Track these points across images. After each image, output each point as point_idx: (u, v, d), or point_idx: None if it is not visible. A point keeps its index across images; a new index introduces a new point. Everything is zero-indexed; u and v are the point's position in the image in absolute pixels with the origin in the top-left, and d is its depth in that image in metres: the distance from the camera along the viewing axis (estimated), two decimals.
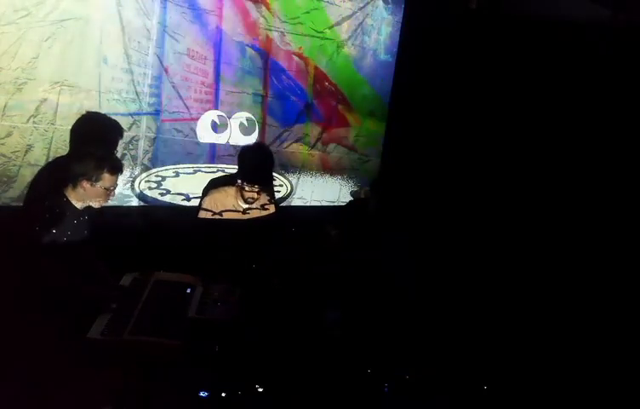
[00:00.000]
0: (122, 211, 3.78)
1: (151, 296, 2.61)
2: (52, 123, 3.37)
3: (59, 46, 3.29)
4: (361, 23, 4.50)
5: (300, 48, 4.27)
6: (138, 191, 3.86)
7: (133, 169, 3.78)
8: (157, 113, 3.77)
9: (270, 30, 4.08)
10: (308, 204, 4.72)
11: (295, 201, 4.65)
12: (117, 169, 2.60)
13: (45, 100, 3.32)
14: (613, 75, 3.92)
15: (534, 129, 4.36)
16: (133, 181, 3.81)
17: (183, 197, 4.07)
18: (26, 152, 3.33)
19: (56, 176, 2.66)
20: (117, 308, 2.46)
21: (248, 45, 4.02)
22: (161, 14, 3.62)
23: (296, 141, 4.47)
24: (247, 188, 3.06)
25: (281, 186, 4.50)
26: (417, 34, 4.66)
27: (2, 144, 3.25)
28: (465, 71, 4.71)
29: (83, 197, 2.56)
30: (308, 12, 4.21)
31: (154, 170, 3.89)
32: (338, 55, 4.45)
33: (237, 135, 4.15)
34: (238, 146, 4.16)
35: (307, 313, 2.75)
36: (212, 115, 4.01)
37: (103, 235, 2.82)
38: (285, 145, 4.42)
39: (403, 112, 4.87)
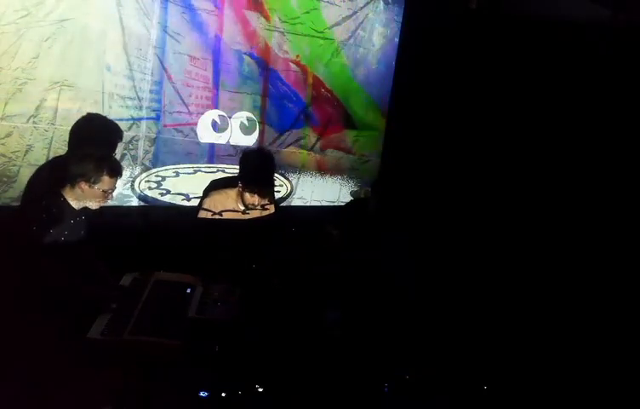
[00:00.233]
0: (122, 211, 3.78)
1: (151, 296, 2.61)
2: (52, 123, 3.37)
3: (59, 46, 3.29)
4: (361, 23, 4.50)
5: (298, 56, 4.28)
6: (138, 191, 3.86)
7: (133, 169, 3.78)
8: (157, 118, 3.78)
9: (270, 30, 4.08)
10: (308, 204, 4.72)
11: (295, 201, 4.65)
12: (116, 171, 2.60)
13: (45, 100, 3.32)
14: (613, 75, 3.92)
15: (535, 130, 4.36)
16: (133, 181, 3.81)
17: (183, 197, 4.07)
18: (26, 152, 3.33)
19: (54, 176, 2.66)
20: (117, 308, 2.46)
21: (246, 53, 4.03)
22: (161, 16, 3.62)
23: (295, 143, 4.47)
24: (248, 195, 3.07)
25: (281, 186, 4.50)
26: (417, 34, 4.66)
27: (3, 144, 3.25)
28: (465, 71, 4.71)
29: (81, 198, 2.56)
30: (308, 12, 4.21)
31: (154, 170, 3.89)
32: (336, 58, 4.45)
33: (238, 134, 4.15)
34: (238, 146, 4.17)
35: (307, 313, 2.75)
36: (212, 114, 4.02)
37: (103, 235, 2.82)
38: (284, 147, 4.42)
39: (403, 112, 4.87)
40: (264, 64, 4.15)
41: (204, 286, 2.74)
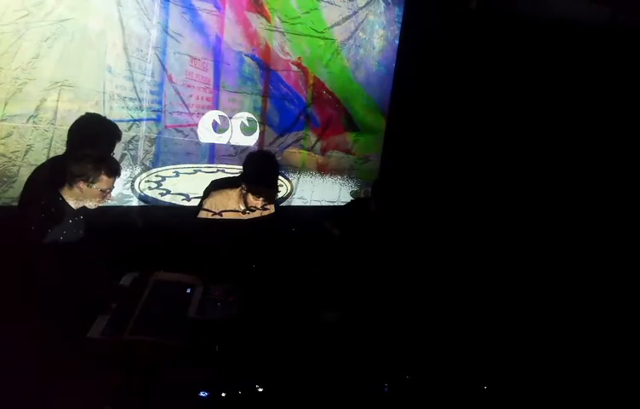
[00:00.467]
0: (122, 211, 3.78)
1: (151, 296, 2.61)
2: (52, 124, 3.37)
3: (59, 46, 3.29)
4: (361, 23, 4.50)
5: (299, 57, 4.28)
6: (138, 191, 3.86)
7: (133, 169, 3.78)
8: (158, 119, 3.78)
9: (271, 30, 4.08)
10: (308, 204, 4.72)
11: (295, 201, 4.65)
12: (114, 171, 2.59)
13: (45, 100, 3.32)
14: (613, 75, 3.92)
15: (535, 130, 4.36)
16: (133, 182, 3.81)
17: (183, 197, 4.07)
18: (26, 152, 3.33)
19: (52, 176, 2.65)
20: (117, 308, 2.46)
21: (247, 54, 4.03)
22: (162, 16, 3.62)
23: (296, 144, 4.47)
24: (252, 197, 3.08)
25: (281, 186, 4.50)
26: (417, 34, 4.66)
27: (3, 144, 3.25)
28: (465, 71, 4.71)
29: (79, 197, 2.56)
30: (308, 12, 4.22)
31: (154, 170, 3.89)
32: (336, 59, 4.45)
33: (238, 135, 4.15)
34: (239, 146, 4.17)
35: (307, 313, 2.75)
36: (213, 115, 4.02)
37: (103, 235, 2.82)
38: (285, 147, 4.42)
39: (403, 113, 4.88)
40: (264, 65, 4.15)
41: (204, 286, 2.74)
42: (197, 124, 3.96)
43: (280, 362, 2.42)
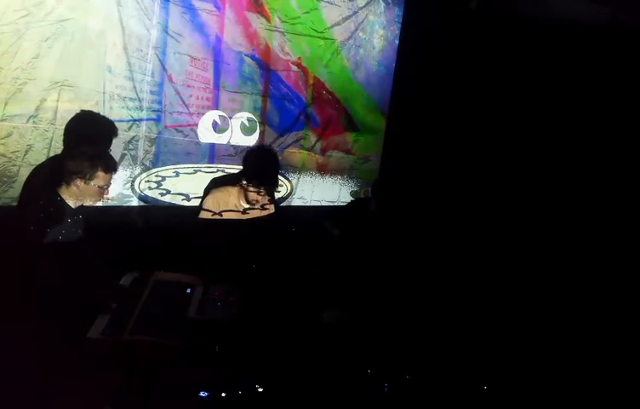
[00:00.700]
0: (122, 211, 3.78)
1: (151, 296, 2.61)
2: (52, 123, 3.37)
3: (59, 46, 3.29)
4: (361, 23, 4.50)
5: (299, 57, 4.28)
6: (138, 191, 3.86)
7: (133, 169, 3.78)
8: (158, 119, 3.78)
9: (271, 30, 4.08)
10: (308, 204, 4.72)
11: (295, 201, 4.65)
12: (111, 167, 2.58)
13: (45, 100, 3.32)
14: (613, 75, 3.92)
15: (535, 130, 4.36)
16: (133, 181, 3.81)
17: (183, 197, 4.07)
18: (26, 152, 3.33)
19: (50, 175, 2.65)
20: (117, 308, 2.46)
21: (247, 54, 4.03)
22: (162, 16, 3.62)
23: (296, 144, 4.48)
24: (251, 190, 3.06)
25: (281, 186, 4.51)
26: (417, 34, 4.66)
27: (3, 144, 3.25)
28: (465, 71, 4.71)
29: (77, 195, 2.55)
30: (308, 12, 4.21)
31: (154, 170, 3.89)
32: (336, 59, 4.45)
33: (239, 135, 4.16)
34: (239, 146, 4.17)
35: (307, 313, 2.75)
36: (213, 115, 4.02)
37: (103, 235, 2.82)
38: (285, 147, 4.42)
39: (403, 113, 4.88)
40: (264, 65, 4.15)
41: (204, 286, 2.74)
42: (196, 124, 3.97)
43: (280, 362, 2.42)
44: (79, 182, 2.50)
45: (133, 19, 3.51)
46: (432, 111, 4.80)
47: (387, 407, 2.50)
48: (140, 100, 3.67)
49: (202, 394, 2.23)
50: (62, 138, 3.35)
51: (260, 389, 2.31)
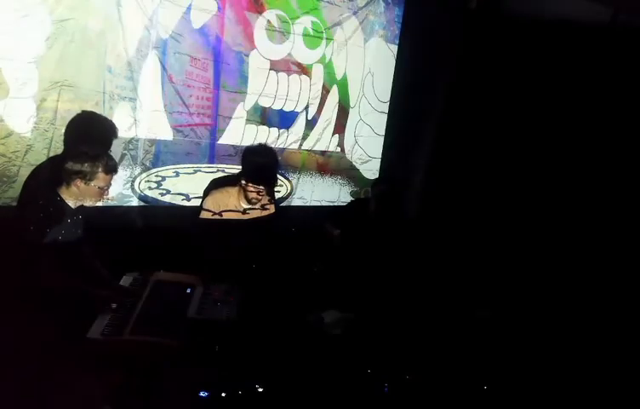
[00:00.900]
0: (122, 211, 3.78)
1: (151, 296, 2.61)
2: (52, 123, 3.37)
3: (59, 46, 3.28)
4: (361, 23, 4.50)
5: (300, 58, 4.28)
6: (138, 191, 3.86)
7: (133, 169, 3.78)
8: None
9: (271, 30, 4.08)
10: (308, 204, 4.72)
11: (295, 201, 4.65)
12: (111, 168, 2.58)
13: (45, 100, 3.32)
14: (613, 75, 3.92)
15: (535, 130, 4.36)
16: (133, 182, 3.81)
17: (183, 197, 4.07)
18: (26, 152, 3.33)
19: (50, 176, 2.64)
20: (117, 308, 2.46)
21: (247, 55, 4.03)
22: (162, 16, 3.62)
23: (296, 143, 4.48)
24: (251, 188, 3.06)
25: (281, 186, 4.51)
26: (417, 34, 4.66)
27: (2, 144, 3.25)
28: (465, 71, 4.72)
29: (77, 196, 2.55)
30: (308, 12, 4.21)
31: (154, 170, 3.89)
32: (336, 59, 4.45)
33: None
34: (238, 146, 4.17)
35: (307, 314, 2.76)
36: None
37: (103, 235, 2.82)
38: (285, 147, 4.42)
39: (403, 113, 4.88)
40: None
41: (204, 286, 2.74)
42: (196, 124, 3.96)
43: (280, 362, 2.42)
44: (79, 183, 2.50)
45: (133, 19, 3.51)
46: (432, 111, 4.80)
47: (387, 407, 2.50)
48: (140, 100, 3.66)
49: (202, 394, 2.23)
50: (62, 138, 3.35)
51: (260, 389, 2.31)
